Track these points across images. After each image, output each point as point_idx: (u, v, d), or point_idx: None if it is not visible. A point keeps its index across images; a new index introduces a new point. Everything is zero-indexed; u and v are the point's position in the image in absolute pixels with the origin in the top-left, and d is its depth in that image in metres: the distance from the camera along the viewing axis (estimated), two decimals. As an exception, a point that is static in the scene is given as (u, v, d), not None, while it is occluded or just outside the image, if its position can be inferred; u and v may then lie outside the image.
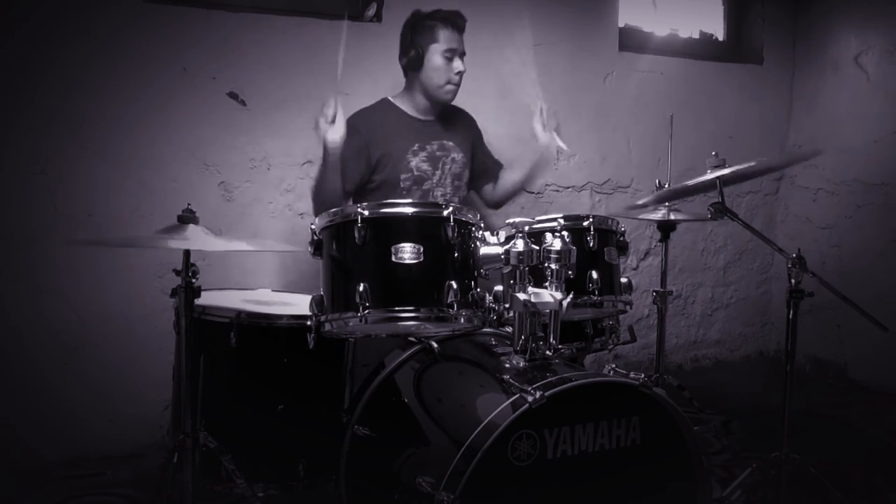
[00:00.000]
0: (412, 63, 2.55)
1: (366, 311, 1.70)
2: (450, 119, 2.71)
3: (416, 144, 2.57)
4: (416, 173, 2.55)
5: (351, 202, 2.55)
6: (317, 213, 2.46)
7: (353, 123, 2.53)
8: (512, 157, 2.90)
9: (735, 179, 2.30)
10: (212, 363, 2.01)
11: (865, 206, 3.76)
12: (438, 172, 2.60)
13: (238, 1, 2.90)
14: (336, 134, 2.29)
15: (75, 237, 2.63)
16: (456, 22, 2.54)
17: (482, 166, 2.84)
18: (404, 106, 2.62)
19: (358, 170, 2.51)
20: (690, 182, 2.16)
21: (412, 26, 2.56)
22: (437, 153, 2.60)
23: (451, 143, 2.65)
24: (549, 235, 1.81)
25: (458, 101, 2.72)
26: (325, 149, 2.33)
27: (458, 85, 2.57)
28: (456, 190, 2.66)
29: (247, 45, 2.87)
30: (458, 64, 2.53)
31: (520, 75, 3.33)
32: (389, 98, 2.64)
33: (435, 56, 2.52)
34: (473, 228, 1.84)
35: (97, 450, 2.71)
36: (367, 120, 2.56)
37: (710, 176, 2.09)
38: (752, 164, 2.11)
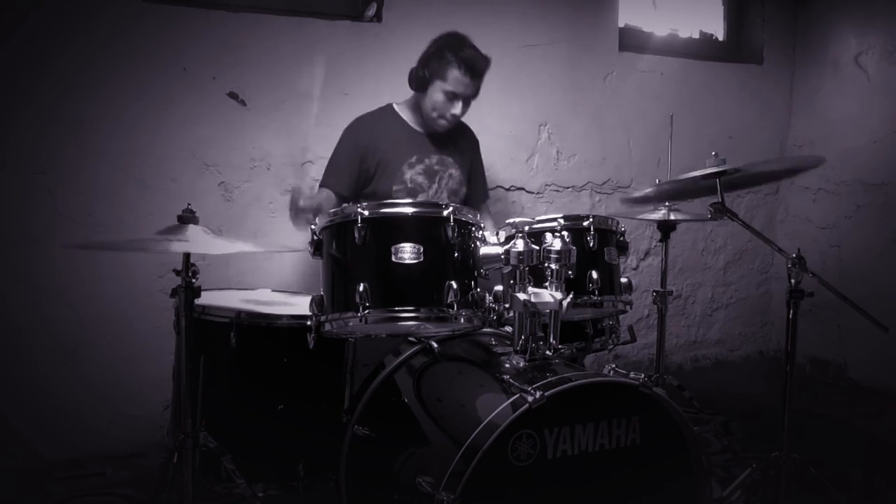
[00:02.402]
0: (418, 83, 2.52)
1: (366, 311, 1.70)
2: (452, 134, 2.66)
3: (414, 157, 2.56)
4: (409, 185, 2.54)
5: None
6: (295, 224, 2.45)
7: (353, 130, 2.54)
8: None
9: (736, 185, 2.30)
10: (212, 363, 2.01)
11: (865, 206, 3.77)
12: (435, 186, 2.59)
13: (238, 1, 2.89)
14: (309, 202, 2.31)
15: (75, 237, 2.64)
16: (474, 66, 2.45)
17: (475, 187, 2.81)
18: (407, 116, 2.62)
19: (350, 177, 2.51)
20: (689, 175, 2.14)
21: (438, 46, 2.49)
22: (436, 167, 2.59)
23: (450, 159, 2.63)
24: (549, 235, 1.81)
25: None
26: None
27: (450, 123, 2.54)
28: None
29: (247, 45, 2.87)
30: (456, 107, 2.49)
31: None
32: (394, 105, 2.64)
33: (437, 91, 2.48)
34: (473, 228, 1.84)
35: (97, 449, 2.71)
36: (369, 126, 2.56)
37: (708, 170, 2.08)
38: (752, 162, 2.10)
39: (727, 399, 3.54)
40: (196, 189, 2.81)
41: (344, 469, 1.96)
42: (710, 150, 2.15)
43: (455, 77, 2.45)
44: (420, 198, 2.56)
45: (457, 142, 2.69)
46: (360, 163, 2.51)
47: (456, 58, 2.44)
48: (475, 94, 2.53)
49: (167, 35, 2.75)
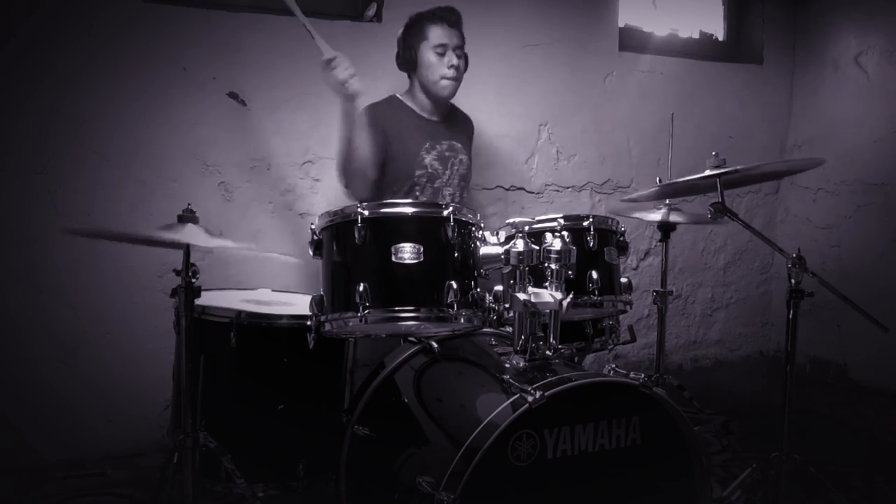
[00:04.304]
0: (407, 63, 2.57)
1: (366, 311, 1.71)
2: (455, 121, 2.73)
3: (428, 143, 2.58)
4: (429, 170, 2.57)
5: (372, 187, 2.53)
6: (348, 185, 2.46)
7: (372, 114, 2.54)
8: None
9: (735, 183, 2.30)
10: (212, 363, 2.01)
11: (865, 206, 3.77)
12: (448, 172, 2.62)
13: (238, 1, 2.89)
14: (358, 84, 2.29)
15: (75, 237, 2.63)
16: (446, 17, 2.53)
17: None
18: (412, 104, 2.64)
19: (380, 157, 2.50)
20: (689, 178, 2.14)
21: (406, 28, 2.58)
22: (447, 153, 2.62)
23: (458, 145, 2.67)
24: (549, 235, 1.81)
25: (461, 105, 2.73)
26: (347, 111, 2.33)
27: (454, 79, 2.56)
28: (462, 190, 2.68)
29: (247, 45, 2.87)
30: (450, 57, 2.52)
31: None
32: (398, 95, 2.66)
33: (427, 53, 2.52)
34: (473, 228, 1.84)
35: (97, 449, 2.71)
36: (383, 111, 2.57)
37: (708, 173, 2.08)
38: (750, 165, 2.10)
39: (727, 399, 3.54)
40: (196, 189, 2.81)
41: (344, 469, 1.96)
42: (710, 149, 2.15)
43: (436, 31, 2.52)
44: (437, 183, 2.59)
45: (459, 127, 2.74)
46: (384, 145, 2.51)
47: (428, 17, 2.54)
48: (462, 43, 2.57)
49: (167, 35, 2.75)
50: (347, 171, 2.43)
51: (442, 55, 2.52)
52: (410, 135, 2.56)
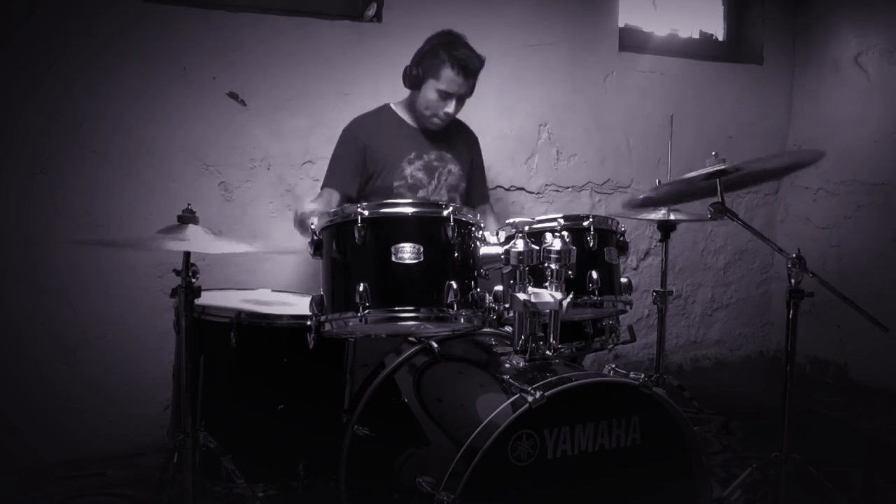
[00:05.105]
0: (412, 81, 2.52)
1: (366, 311, 1.70)
2: (450, 131, 2.67)
3: (413, 153, 2.56)
4: (410, 181, 2.55)
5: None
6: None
7: (351, 130, 2.56)
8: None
9: (737, 185, 2.29)
10: (212, 363, 2.01)
11: (865, 206, 3.77)
12: (434, 182, 2.60)
13: (238, 1, 2.90)
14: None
15: (75, 237, 2.63)
16: (468, 66, 2.45)
17: (476, 185, 2.81)
18: (404, 115, 2.63)
19: (355, 176, 2.52)
20: (690, 175, 2.13)
21: (432, 44, 2.49)
22: (434, 163, 2.60)
23: (448, 155, 2.64)
24: (549, 235, 1.81)
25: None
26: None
27: (444, 121, 2.53)
28: (452, 201, 2.65)
29: (247, 45, 2.88)
30: (449, 105, 2.49)
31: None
32: (391, 105, 2.65)
33: (430, 90, 2.48)
34: (473, 228, 1.84)
35: (97, 449, 2.71)
36: (367, 126, 2.57)
37: (708, 170, 2.08)
38: (751, 160, 2.10)
39: (727, 399, 3.54)
40: (196, 189, 2.81)
41: (344, 469, 1.96)
42: (710, 149, 2.15)
43: (448, 76, 2.45)
44: (420, 193, 2.57)
45: (454, 139, 2.70)
46: (363, 162, 2.53)
47: (449, 57, 2.44)
48: (469, 92, 2.53)
49: (167, 35, 2.75)
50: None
51: (444, 99, 2.48)
52: (392, 145, 2.55)
